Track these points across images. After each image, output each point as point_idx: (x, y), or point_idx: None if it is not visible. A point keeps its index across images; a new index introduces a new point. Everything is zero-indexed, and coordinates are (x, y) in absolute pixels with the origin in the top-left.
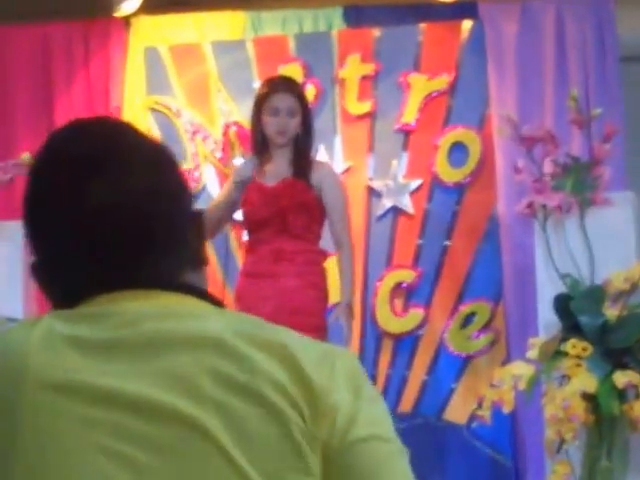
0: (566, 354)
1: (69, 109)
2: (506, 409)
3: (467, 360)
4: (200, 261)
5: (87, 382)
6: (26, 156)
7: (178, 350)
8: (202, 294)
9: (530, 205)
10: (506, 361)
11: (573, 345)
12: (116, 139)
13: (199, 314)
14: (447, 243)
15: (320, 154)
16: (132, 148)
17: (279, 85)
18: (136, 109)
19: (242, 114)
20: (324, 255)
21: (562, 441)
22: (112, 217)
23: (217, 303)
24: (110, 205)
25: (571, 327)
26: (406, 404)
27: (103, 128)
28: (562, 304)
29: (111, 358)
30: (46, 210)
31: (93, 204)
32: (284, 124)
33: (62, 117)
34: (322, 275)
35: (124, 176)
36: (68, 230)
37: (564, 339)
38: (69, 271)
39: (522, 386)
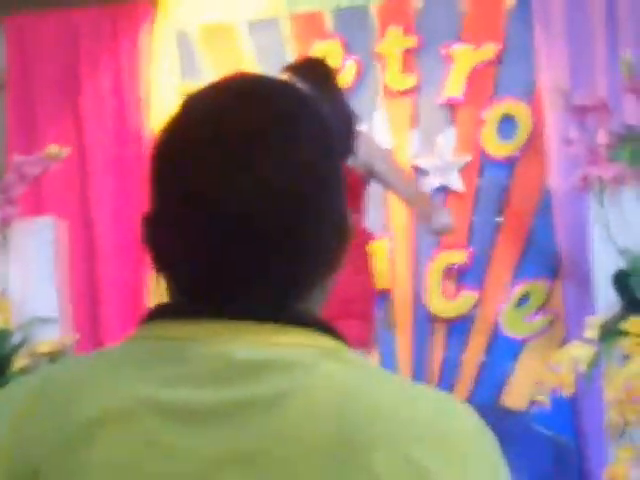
0: (626, 333)
1: (96, 97)
2: (566, 392)
3: (524, 343)
4: (335, 270)
5: None
6: (53, 148)
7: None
8: (326, 328)
9: (585, 178)
10: (565, 342)
11: (633, 323)
12: (278, 116)
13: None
14: (499, 220)
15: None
16: (296, 131)
17: (287, 66)
18: (167, 94)
19: None
20: (368, 237)
21: (625, 424)
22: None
23: (337, 336)
24: (259, 199)
25: (631, 304)
26: (462, 391)
27: (262, 87)
28: (621, 281)
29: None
30: (177, 185)
31: (239, 197)
32: None
33: (89, 107)
34: (366, 258)
35: (284, 161)
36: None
37: (624, 317)
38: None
39: (581, 368)
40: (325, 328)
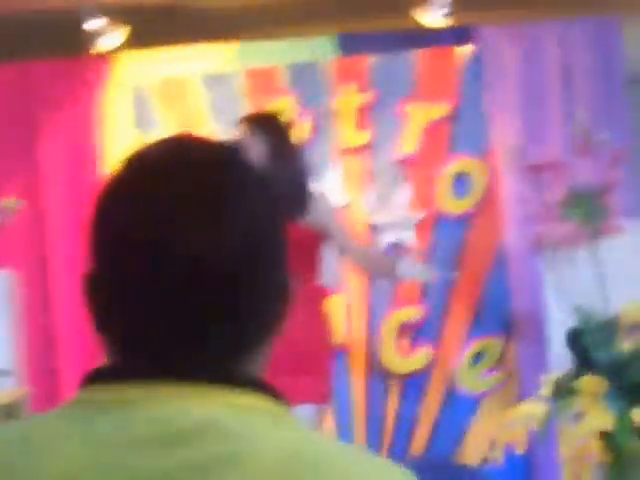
0: (580, 391)
1: (52, 149)
2: (519, 449)
3: (479, 399)
4: (276, 334)
5: None
6: (8, 201)
7: None
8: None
9: (537, 236)
10: (519, 399)
11: (587, 381)
12: (220, 174)
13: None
14: (453, 277)
15: (316, 189)
16: (238, 187)
17: (241, 119)
18: (122, 147)
19: None
20: (324, 293)
21: None
22: (198, 272)
23: (279, 398)
24: (200, 259)
25: (585, 363)
26: (417, 446)
27: (206, 156)
28: (574, 339)
29: None
30: (120, 244)
31: (180, 254)
32: None
33: (45, 158)
34: (322, 314)
35: (224, 225)
36: (140, 275)
37: (577, 375)
38: (123, 316)
39: (535, 426)
40: (268, 390)
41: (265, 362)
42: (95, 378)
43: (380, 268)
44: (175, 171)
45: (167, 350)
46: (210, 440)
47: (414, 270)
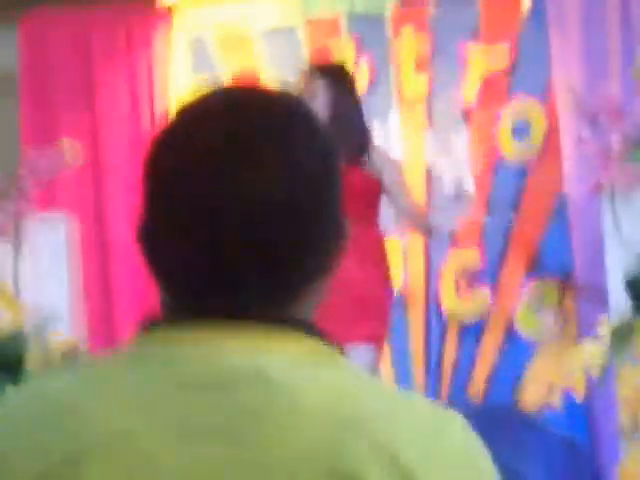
0: (638, 332)
1: (111, 97)
2: (578, 394)
3: (539, 342)
4: (330, 272)
5: None
6: (66, 143)
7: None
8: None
9: (598, 181)
10: (578, 342)
11: None
12: (270, 119)
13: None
14: (513, 222)
15: (376, 134)
16: (288, 131)
17: (305, 69)
18: (181, 95)
19: None
20: (383, 238)
21: (638, 423)
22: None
23: (331, 341)
24: (262, 203)
25: None
26: (476, 391)
27: (262, 99)
28: (634, 284)
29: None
30: (176, 191)
31: (240, 199)
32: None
33: (103, 107)
34: (384, 259)
35: (274, 166)
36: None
37: (636, 317)
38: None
39: (593, 369)
40: (320, 333)
41: (318, 303)
42: (151, 325)
43: (421, 229)
44: (225, 119)
45: (225, 292)
46: (261, 386)
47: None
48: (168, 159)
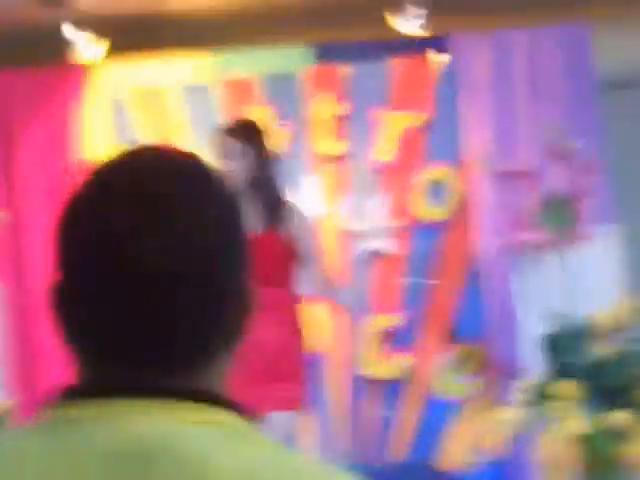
0: (556, 396)
1: (30, 160)
2: (495, 455)
3: (457, 405)
4: (237, 341)
5: None
6: None
7: None
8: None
9: (509, 243)
10: (496, 404)
11: (562, 387)
12: (174, 184)
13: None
14: (430, 284)
15: (293, 198)
16: (191, 195)
17: (222, 128)
18: (101, 157)
19: (211, 159)
20: (298, 300)
21: None
22: (165, 287)
23: (242, 412)
24: (165, 273)
25: (560, 368)
26: (398, 451)
27: (166, 165)
28: (549, 344)
29: None
30: (81, 256)
31: (144, 270)
32: (227, 167)
33: (22, 169)
34: (298, 321)
35: (189, 236)
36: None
37: (553, 380)
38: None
39: (512, 431)
40: (228, 404)
41: (227, 375)
42: (63, 395)
43: (328, 293)
44: (129, 190)
45: (134, 365)
46: (169, 460)
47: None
48: (76, 228)
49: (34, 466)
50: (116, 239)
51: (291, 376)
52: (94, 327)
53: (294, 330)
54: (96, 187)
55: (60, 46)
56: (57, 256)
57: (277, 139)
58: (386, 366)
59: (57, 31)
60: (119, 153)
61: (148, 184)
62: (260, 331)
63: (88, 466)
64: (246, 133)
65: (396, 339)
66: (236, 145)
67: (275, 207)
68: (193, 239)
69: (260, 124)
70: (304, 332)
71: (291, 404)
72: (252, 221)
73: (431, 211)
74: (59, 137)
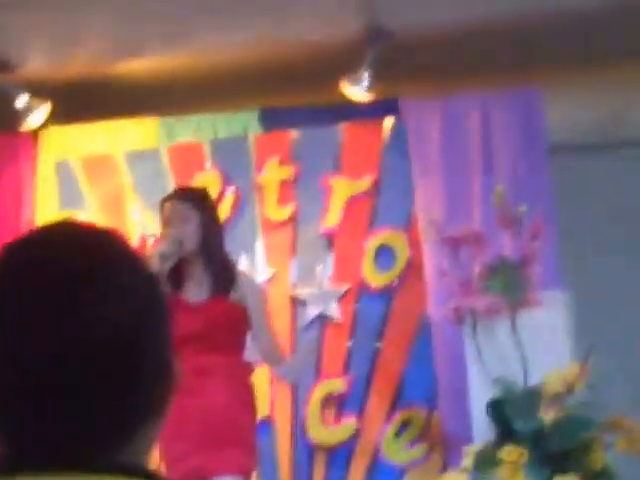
0: (502, 461)
1: None
2: None
3: (403, 470)
4: (159, 415)
5: None
6: None
7: None
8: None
9: (458, 309)
10: (443, 470)
11: (509, 452)
12: (96, 256)
13: None
14: (377, 348)
15: (242, 262)
16: (113, 267)
17: (170, 194)
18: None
19: (159, 225)
20: (249, 368)
21: None
22: (82, 359)
23: None
24: (82, 342)
25: (506, 433)
26: None
27: (83, 240)
28: (496, 409)
29: None
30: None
31: (64, 337)
32: (173, 233)
33: None
34: (250, 388)
35: (101, 307)
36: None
37: (499, 445)
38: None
39: None
40: (149, 475)
41: (151, 447)
42: None
43: (274, 361)
44: (33, 264)
45: (51, 443)
46: None
47: (288, 372)
48: None
49: None
50: (17, 324)
51: (242, 442)
52: (7, 409)
53: (244, 397)
54: (6, 269)
55: (8, 111)
56: None
57: (225, 204)
58: (333, 430)
59: (5, 96)
60: (32, 233)
61: (60, 261)
62: (209, 398)
63: None
64: (195, 198)
65: (342, 404)
66: (185, 210)
67: (223, 273)
68: (103, 316)
69: (208, 189)
70: (254, 397)
71: (240, 470)
72: (201, 287)
73: (379, 275)
74: (9, 204)
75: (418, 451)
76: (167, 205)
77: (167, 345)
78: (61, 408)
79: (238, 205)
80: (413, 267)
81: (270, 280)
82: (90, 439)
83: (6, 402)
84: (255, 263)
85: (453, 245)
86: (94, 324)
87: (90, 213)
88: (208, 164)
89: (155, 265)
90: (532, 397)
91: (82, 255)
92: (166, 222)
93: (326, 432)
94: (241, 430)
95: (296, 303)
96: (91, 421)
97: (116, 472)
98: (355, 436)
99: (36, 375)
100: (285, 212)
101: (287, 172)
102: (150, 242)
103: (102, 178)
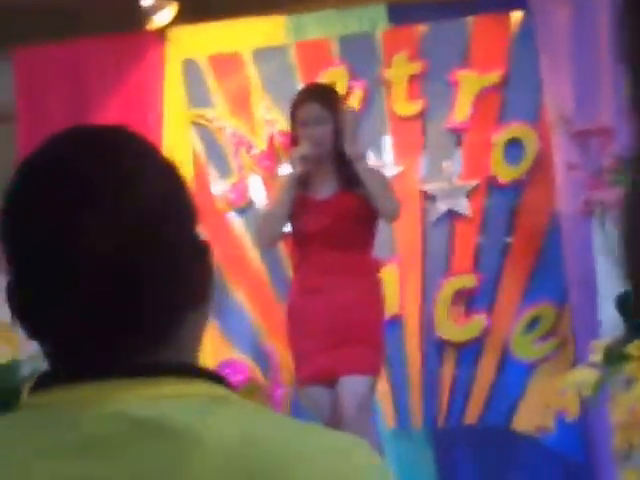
0: (631, 356)
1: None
2: (570, 417)
3: (533, 366)
4: (203, 299)
5: None
6: None
7: None
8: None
9: (588, 202)
10: (574, 365)
11: (637, 346)
12: (118, 157)
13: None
14: (507, 244)
15: (369, 158)
16: (136, 169)
17: (304, 94)
18: (177, 124)
19: (286, 122)
20: (377, 264)
21: (630, 447)
22: (110, 261)
23: (220, 382)
24: (110, 247)
25: (635, 327)
26: (472, 415)
27: (104, 141)
28: (624, 303)
29: None
30: (29, 237)
31: (87, 244)
32: (313, 134)
33: None
34: (378, 286)
35: (125, 209)
36: (52, 270)
37: (628, 340)
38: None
39: (586, 392)
40: (210, 375)
41: (199, 340)
42: (39, 383)
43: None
44: (60, 170)
45: (102, 347)
46: (163, 435)
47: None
48: (10, 221)
49: (21, 453)
50: (52, 232)
51: (371, 341)
52: (58, 316)
53: (375, 295)
54: (24, 179)
55: (135, 11)
56: (5, 248)
57: (352, 100)
58: (463, 327)
59: None
60: (47, 140)
61: (76, 165)
62: (337, 296)
63: (74, 449)
64: (329, 98)
65: (472, 300)
66: (320, 111)
67: (352, 168)
68: (133, 212)
69: (337, 87)
70: (383, 295)
71: (369, 369)
72: (330, 184)
73: (508, 170)
74: (136, 104)
75: (548, 347)
76: (302, 106)
77: (195, 232)
78: (110, 302)
79: (366, 101)
80: (542, 161)
81: (398, 176)
82: (140, 335)
83: (50, 306)
84: (383, 159)
85: (583, 138)
86: (125, 218)
87: (218, 111)
88: (335, 60)
89: (297, 167)
90: None
91: (110, 154)
92: (303, 123)
93: (455, 329)
94: (369, 329)
95: (425, 198)
96: (141, 316)
97: (177, 372)
98: (485, 332)
99: (72, 281)
100: (414, 107)
101: (415, 67)
102: (278, 139)
103: (230, 76)
